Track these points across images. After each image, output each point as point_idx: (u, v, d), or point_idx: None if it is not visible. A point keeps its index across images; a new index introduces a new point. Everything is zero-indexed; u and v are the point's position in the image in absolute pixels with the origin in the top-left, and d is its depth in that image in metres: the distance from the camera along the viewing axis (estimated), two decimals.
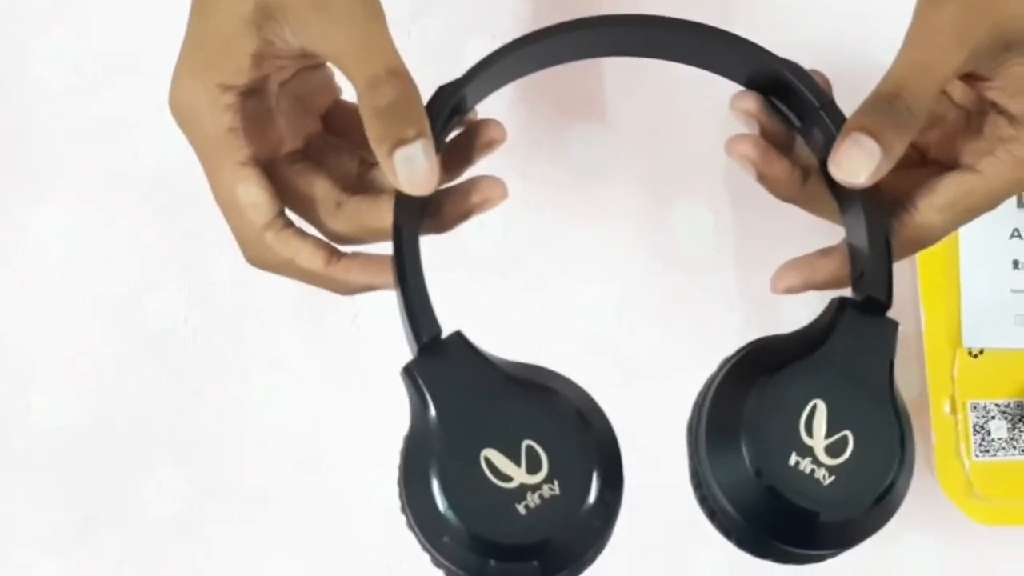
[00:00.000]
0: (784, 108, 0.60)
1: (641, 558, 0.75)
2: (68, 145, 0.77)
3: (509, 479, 0.53)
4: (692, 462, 0.56)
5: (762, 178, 0.60)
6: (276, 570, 0.74)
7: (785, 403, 0.54)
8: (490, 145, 0.59)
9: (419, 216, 0.56)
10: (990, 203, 0.59)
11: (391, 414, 0.76)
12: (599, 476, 0.54)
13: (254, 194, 0.56)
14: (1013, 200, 0.73)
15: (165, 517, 0.74)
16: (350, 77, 0.55)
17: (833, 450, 0.53)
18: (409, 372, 0.54)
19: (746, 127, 0.61)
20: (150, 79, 0.65)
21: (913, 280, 0.75)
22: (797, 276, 0.59)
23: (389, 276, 0.56)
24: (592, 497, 0.53)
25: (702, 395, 0.56)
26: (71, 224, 0.77)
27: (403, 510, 0.54)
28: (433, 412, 0.54)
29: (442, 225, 0.58)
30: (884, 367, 0.55)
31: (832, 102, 0.58)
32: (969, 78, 0.58)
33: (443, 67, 0.76)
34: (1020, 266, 0.73)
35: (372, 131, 0.54)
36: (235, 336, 0.75)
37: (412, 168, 0.54)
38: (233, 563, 0.74)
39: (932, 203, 0.58)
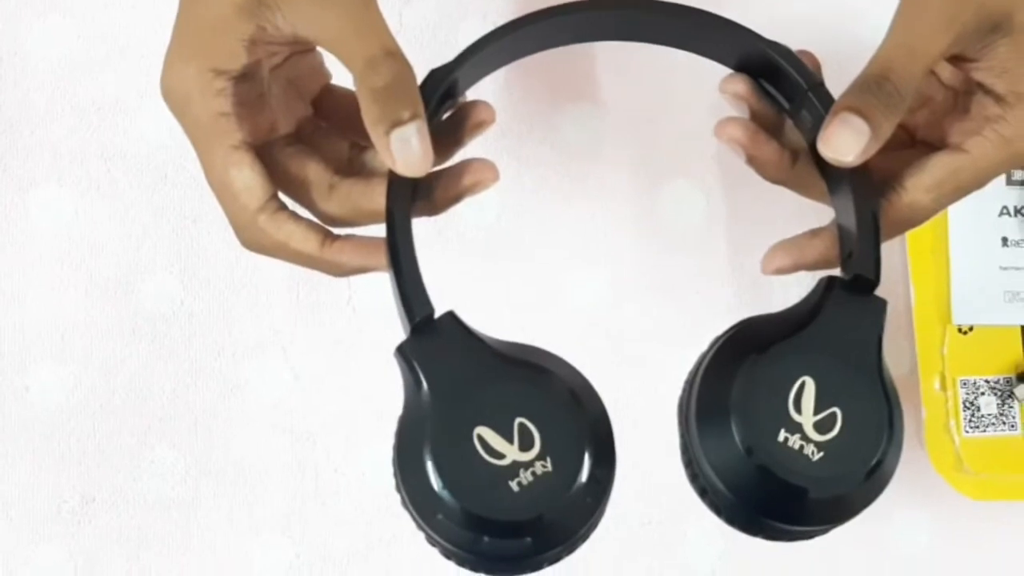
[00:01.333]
0: (773, 90, 0.60)
1: (634, 534, 0.75)
2: (62, 128, 0.77)
3: (502, 456, 0.53)
4: (683, 440, 0.57)
5: (751, 160, 0.60)
6: (272, 548, 0.75)
7: (774, 381, 0.54)
8: (480, 127, 0.59)
9: (411, 199, 0.56)
10: (978, 182, 0.59)
11: (385, 394, 0.77)
12: (591, 453, 0.54)
13: (247, 177, 0.56)
14: (1002, 178, 0.74)
15: (163, 497, 0.75)
16: (345, 60, 0.55)
17: (822, 427, 0.53)
18: (402, 352, 0.55)
19: (736, 110, 0.61)
20: (144, 62, 0.66)
21: (903, 258, 0.75)
22: (787, 257, 0.60)
23: (382, 258, 0.56)
24: (584, 474, 0.53)
25: (692, 373, 0.57)
26: (66, 207, 0.77)
27: (397, 488, 0.55)
28: (426, 391, 0.54)
29: (434, 208, 0.59)
30: (872, 344, 0.55)
31: (821, 84, 0.59)
32: (956, 59, 0.58)
33: (436, 49, 0.77)
34: (1009, 243, 0.73)
35: (369, 112, 0.55)
36: (230, 318, 0.76)
37: (407, 149, 0.54)
38: (229, 541, 0.75)
39: (920, 183, 0.58)
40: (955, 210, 0.73)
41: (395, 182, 0.55)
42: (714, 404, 0.55)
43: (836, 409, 0.54)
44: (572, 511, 0.54)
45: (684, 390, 0.57)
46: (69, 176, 0.77)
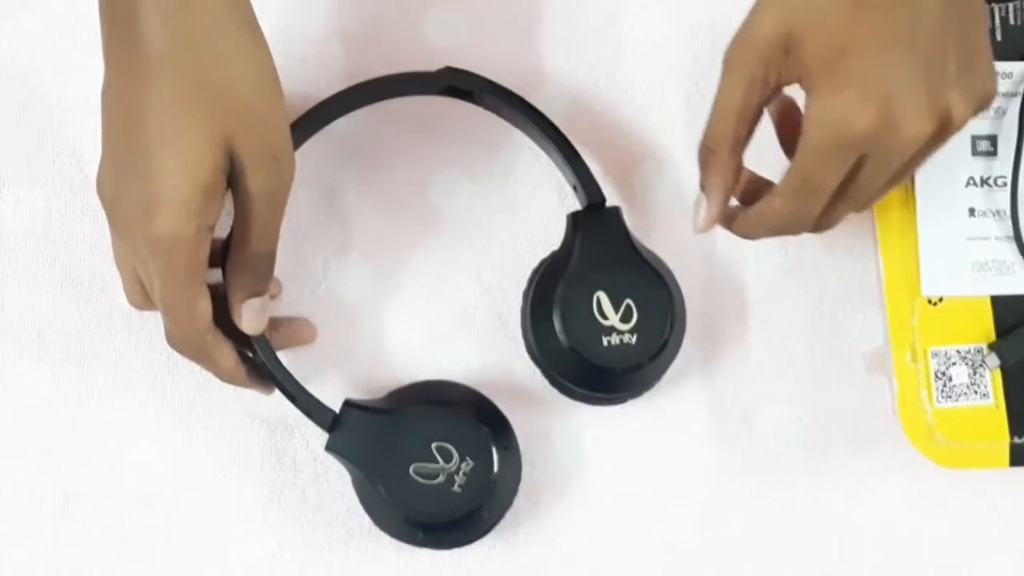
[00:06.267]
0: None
1: (614, 512, 0.76)
2: (34, 127, 0.78)
3: (436, 475, 0.70)
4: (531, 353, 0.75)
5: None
6: (253, 538, 0.75)
7: (578, 304, 0.71)
8: (299, 344, 0.75)
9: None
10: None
11: (363, 380, 0.77)
12: (497, 444, 0.71)
13: (205, 305, 0.66)
14: (968, 148, 0.74)
15: (144, 491, 0.75)
16: (248, 233, 0.66)
17: (626, 318, 0.71)
18: (331, 450, 0.71)
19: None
20: None
21: (872, 232, 0.76)
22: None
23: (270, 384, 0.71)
24: (496, 460, 0.70)
25: (523, 316, 0.74)
26: (39, 205, 0.77)
27: (374, 522, 0.73)
28: (362, 467, 0.70)
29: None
30: (625, 240, 0.72)
31: (489, 83, 0.74)
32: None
33: None
34: (976, 214, 0.74)
35: (235, 278, 0.67)
36: None
37: (255, 314, 0.69)
38: (211, 533, 0.75)
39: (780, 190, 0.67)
40: (922, 182, 0.74)
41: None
42: (551, 341, 0.71)
43: (628, 300, 0.71)
44: (505, 483, 0.72)
45: (522, 324, 0.75)
46: (42, 175, 0.78)
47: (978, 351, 0.73)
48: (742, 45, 0.64)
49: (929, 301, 0.73)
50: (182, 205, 0.62)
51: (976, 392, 0.72)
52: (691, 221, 0.69)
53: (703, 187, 0.68)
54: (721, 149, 0.66)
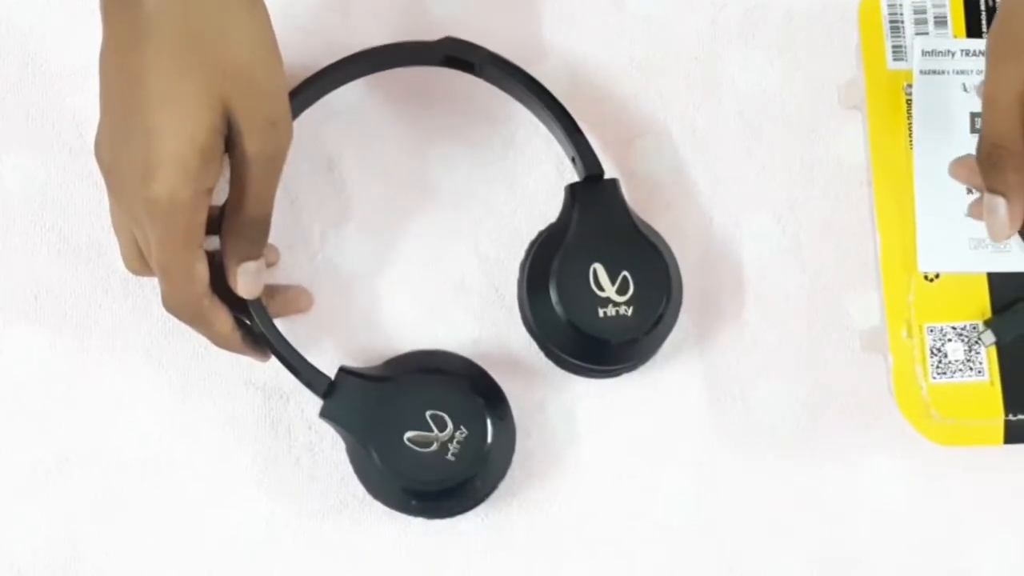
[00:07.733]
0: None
1: (608, 489, 0.76)
2: (34, 93, 0.78)
3: (430, 443, 0.70)
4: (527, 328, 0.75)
5: None
6: (247, 506, 0.75)
7: (575, 276, 0.70)
8: (295, 312, 0.75)
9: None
10: None
11: (356, 348, 0.77)
12: (489, 412, 0.71)
13: (202, 269, 0.66)
14: (966, 125, 0.74)
15: (138, 457, 0.75)
16: (243, 198, 0.66)
17: (622, 290, 0.70)
18: (325, 416, 0.71)
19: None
20: None
21: (870, 207, 0.76)
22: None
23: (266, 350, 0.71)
24: (490, 429, 0.71)
25: (520, 287, 0.74)
26: (38, 170, 0.77)
27: (368, 490, 0.73)
28: (356, 434, 0.71)
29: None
30: (623, 212, 0.72)
31: (490, 55, 0.74)
32: None
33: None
34: (974, 191, 0.74)
35: (231, 245, 0.67)
36: None
37: (251, 278, 0.68)
38: (205, 500, 0.75)
39: None
40: (920, 159, 0.74)
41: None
42: (548, 312, 0.71)
43: (625, 272, 0.70)
44: (495, 454, 0.72)
45: (519, 298, 0.74)
46: (41, 140, 0.78)
47: (974, 328, 0.73)
48: (1006, 28, 0.61)
49: (926, 277, 0.73)
50: (180, 167, 0.62)
51: (971, 369, 0.72)
52: (987, 230, 0.64)
53: (997, 189, 0.63)
54: (1013, 144, 0.62)
